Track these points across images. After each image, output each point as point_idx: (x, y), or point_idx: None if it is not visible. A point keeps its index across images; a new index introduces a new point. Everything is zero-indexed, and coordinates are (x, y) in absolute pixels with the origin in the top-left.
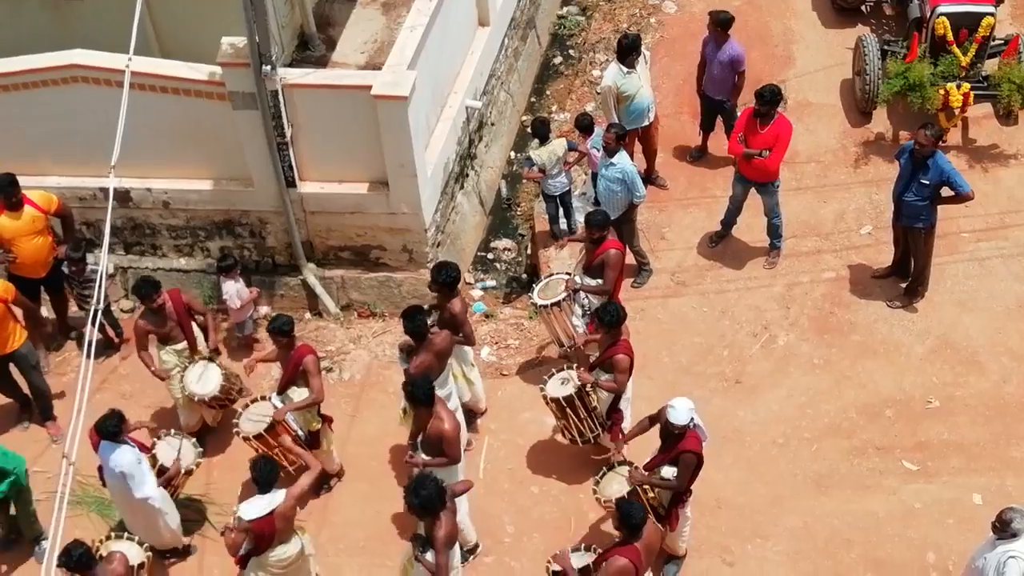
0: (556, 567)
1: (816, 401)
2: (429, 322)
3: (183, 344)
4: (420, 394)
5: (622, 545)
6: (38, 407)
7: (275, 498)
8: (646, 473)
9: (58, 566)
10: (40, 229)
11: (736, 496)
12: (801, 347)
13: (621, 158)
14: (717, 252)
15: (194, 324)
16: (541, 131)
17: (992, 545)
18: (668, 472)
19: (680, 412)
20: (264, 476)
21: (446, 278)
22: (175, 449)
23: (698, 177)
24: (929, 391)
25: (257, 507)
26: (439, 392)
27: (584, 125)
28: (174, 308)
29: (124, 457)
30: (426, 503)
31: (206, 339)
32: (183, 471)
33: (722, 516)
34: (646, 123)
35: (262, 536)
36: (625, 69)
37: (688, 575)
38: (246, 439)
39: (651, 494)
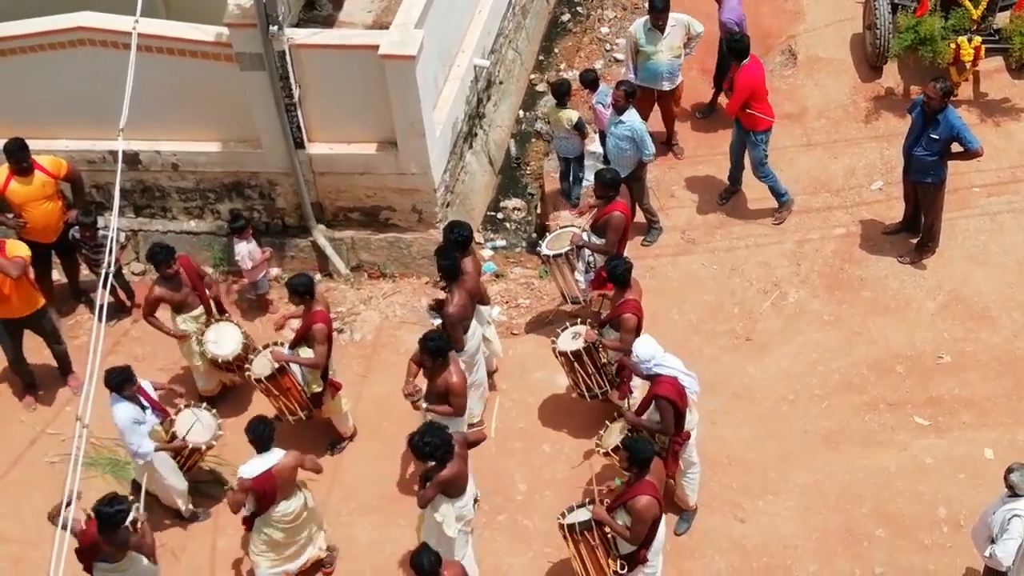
0: (565, 521)
1: (827, 357)
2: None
3: (199, 310)
4: (435, 347)
5: (636, 482)
6: (58, 365)
7: (274, 456)
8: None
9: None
10: (50, 194)
11: (747, 453)
12: (812, 304)
13: (630, 116)
14: (727, 209)
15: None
16: (560, 90)
17: (1002, 501)
18: (655, 417)
19: (639, 348)
20: (259, 435)
21: (458, 236)
22: (194, 424)
23: (708, 135)
24: (940, 346)
25: (256, 465)
26: (469, 342)
27: (588, 81)
28: (187, 274)
29: (119, 413)
30: (429, 451)
31: (218, 306)
32: (191, 448)
33: (733, 473)
34: (663, 87)
35: (263, 494)
36: (648, 26)
37: (699, 531)
38: (251, 378)
39: (650, 435)
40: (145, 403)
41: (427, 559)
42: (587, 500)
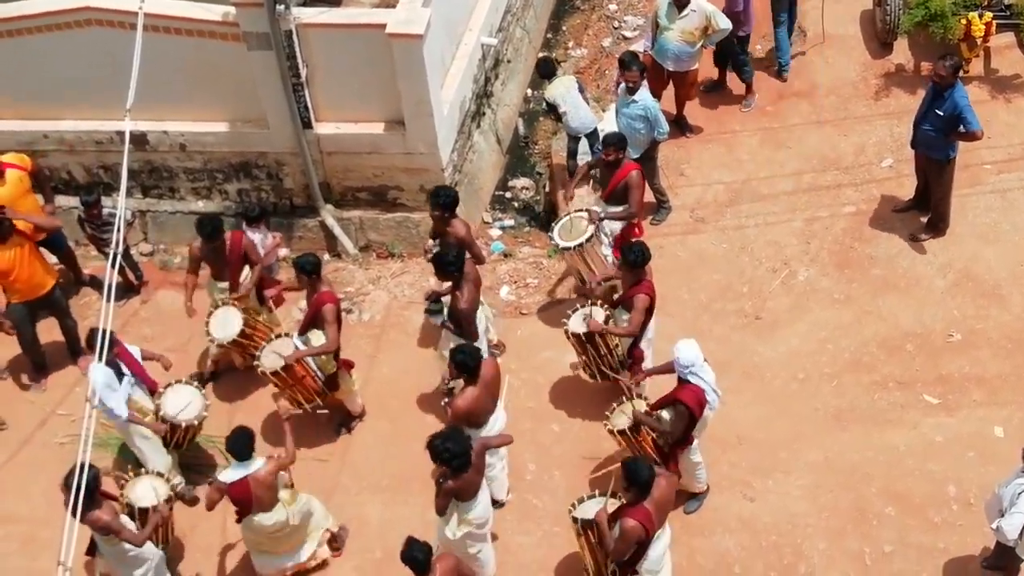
0: (576, 513)
1: (837, 336)
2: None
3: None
4: (461, 361)
5: (632, 505)
6: (69, 346)
7: (252, 465)
8: (647, 412)
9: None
10: (29, 187)
11: (757, 432)
12: (821, 282)
13: (643, 95)
14: (735, 188)
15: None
16: (545, 71)
17: (1015, 476)
18: (666, 415)
19: (683, 349)
20: (237, 446)
21: (445, 199)
22: (182, 400)
23: (716, 113)
24: (950, 324)
25: (232, 473)
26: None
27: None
28: (232, 250)
29: (93, 374)
30: (448, 457)
31: (259, 294)
32: (172, 424)
33: (743, 452)
34: (668, 67)
35: (238, 501)
36: (669, 1)
37: (710, 510)
38: (264, 373)
39: (654, 433)
40: (125, 370)
41: (418, 550)
42: (597, 492)
